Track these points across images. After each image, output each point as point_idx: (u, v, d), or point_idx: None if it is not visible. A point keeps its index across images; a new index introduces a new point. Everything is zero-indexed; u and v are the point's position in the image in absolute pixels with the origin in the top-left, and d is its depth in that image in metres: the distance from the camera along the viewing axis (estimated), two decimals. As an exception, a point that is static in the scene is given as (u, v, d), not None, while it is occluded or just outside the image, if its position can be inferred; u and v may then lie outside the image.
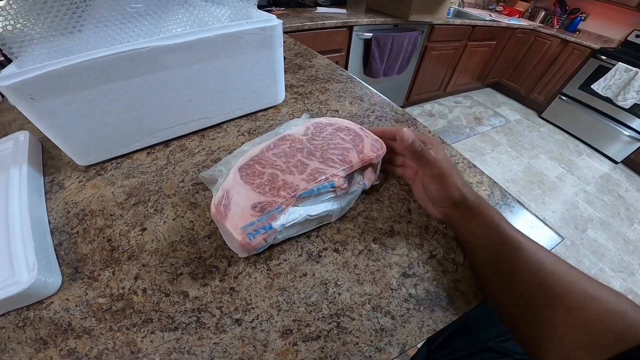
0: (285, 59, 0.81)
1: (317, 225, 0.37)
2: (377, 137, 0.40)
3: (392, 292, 0.33)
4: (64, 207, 0.40)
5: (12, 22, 0.33)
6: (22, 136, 0.46)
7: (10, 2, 0.33)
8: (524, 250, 0.29)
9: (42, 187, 0.43)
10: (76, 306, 0.31)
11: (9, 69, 0.34)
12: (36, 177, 0.43)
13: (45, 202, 0.41)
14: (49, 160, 0.48)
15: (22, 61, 0.36)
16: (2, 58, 0.63)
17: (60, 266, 0.34)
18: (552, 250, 0.39)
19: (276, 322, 0.30)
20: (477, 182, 0.47)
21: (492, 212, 0.33)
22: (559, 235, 0.40)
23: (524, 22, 2.90)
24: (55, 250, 0.35)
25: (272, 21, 0.45)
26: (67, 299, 0.32)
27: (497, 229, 0.31)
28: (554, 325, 0.25)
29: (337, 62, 1.81)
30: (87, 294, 0.32)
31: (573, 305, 0.25)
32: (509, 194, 0.46)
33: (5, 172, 0.40)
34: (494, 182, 0.47)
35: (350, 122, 0.42)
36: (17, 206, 0.35)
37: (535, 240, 0.31)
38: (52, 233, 0.37)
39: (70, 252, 0.35)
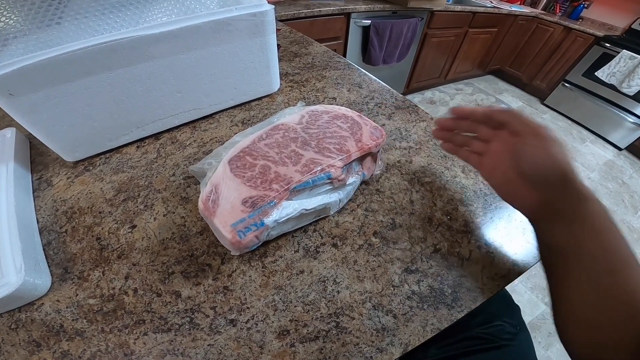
0: (280, 46, 0.79)
1: (314, 219, 0.36)
2: (377, 125, 0.38)
3: (394, 289, 0.32)
4: (53, 205, 0.39)
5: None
6: (9, 133, 0.45)
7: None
8: (634, 267, 0.25)
9: (30, 185, 0.41)
10: (67, 307, 0.30)
11: (-14, 65, 0.33)
12: (23, 174, 0.41)
13: (34, 200, 0.40)
14: (37, 156, 0.46)
15: (-1, 57, 0.34)
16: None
17: (49, 266, 0.33)
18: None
19: (272, 322, 0.29)
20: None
21: (607, 215, 0.27)
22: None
23: (525, 9, 2.84)
24: (44, 250, 0.34)
25: (263, 6, 0.43)
26: (58, 300, 0.31)
27: (614, 238, 0.26)
28: None
29: (335, 50, 1.77)
30: (77, 294, 0.31)
31: None
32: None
33: (-8, 171, 0.38)
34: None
35: (348, 109, 0.40)
36: (4, 206, 0.34)
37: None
38: (40, 232, 0.36)
39: (60, 251, 0.34)
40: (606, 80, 2.44)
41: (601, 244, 0.26)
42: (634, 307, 0.24)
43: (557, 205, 0.28)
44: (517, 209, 0.33)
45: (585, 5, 2.81)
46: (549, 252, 0.30)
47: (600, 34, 2.46)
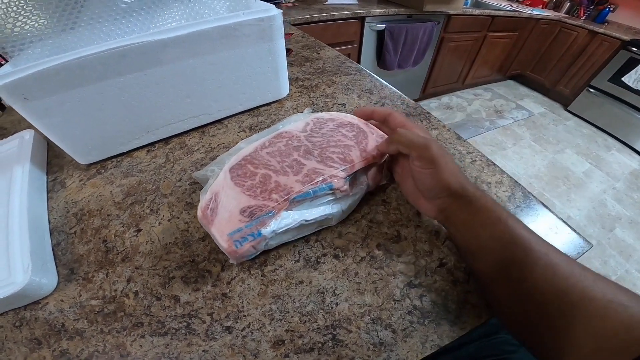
0: (292, 51, 0.79)
1: (317, 229, 0.35)
2: (383, 134, 0.37)
3: (395, 304, 0.31)
4: (64, 207, 0.40)
5: (2, 22, 0.33)
6: (27, 135, 0.46)
7: (5, 0, 0.33)
8: (535, 251, 0.26)
9: (45, 186, 0.43)
10: (70, 307, 0.31)
11: (3, 69, 0.34)
12: (39, 176, 0.43)
13: (47, 201, 0.41)
14: (54, 158, 0.48)
15: (16, 61, 0.35)
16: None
17: (57, 267, 0.34)
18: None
19: (268, 331, 0.29)
20: (496, 182, 0.43)
21: (498, 208, 0.29)
22: (588, 242, 0.37)
23: (548, 13, 2.75)
24: (53, 250, 0.35)
25: (270, 11, 0.43)
26: (62, 300, 0.31)
27: (506, 228, 0.27)
28: (572, 337, 0.23)
29: (349, 55, 1.77)
30: (80, 295, 0.32)
31: (593, 313, 0.23)
32: (533, 195, 0.42)
33: (9, 172, 0.40)
34: (515, 182, 0.43)
35: (354, 117, 0.39)
36: (17, 207, 0.35)
37: (544, 239, 0.27)
38: (51, 233, 0.37)
39: (67, 252, 0.35)
40: (633, 86, 2.33)
41: (498, 235, 0.28)
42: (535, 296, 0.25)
43: (455, 211, 0.31)
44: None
45: (611, 9, 2.70)
46: (458, 244, 0.33)
47: (627, 38, 2.34)
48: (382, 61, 2.00)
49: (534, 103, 3.06)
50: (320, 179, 0.31)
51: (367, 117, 0.40)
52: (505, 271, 0.27)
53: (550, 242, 0.28)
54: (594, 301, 0.23)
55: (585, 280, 0.24)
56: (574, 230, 0.38)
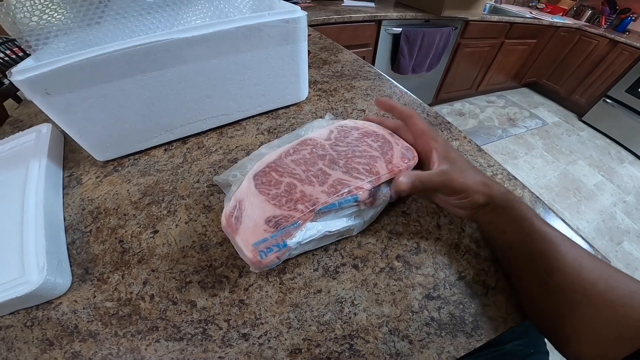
0: (309, 53, 0.78)
1: (336, 239, 0.34)
2: (409, 145, 0.36)
3: (413, 315, 0.30)
4: (80, 204, 0.40)
5: (28, 14, 0.32)
6: (45, 129, 0.46)
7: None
8: (562, 245, 0.28)
9: (61, 181, 0.43)
10: (84, 308, 0.30)
11: (26, 62, 0.34)
12: (55, 171, 0.43)
13: (63, 197, 0.41)
14: (69, 153, 0.47)
15: (39, 55, 0.35)
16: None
17: (71, 266, 0.33)
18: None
19: (285, 339, 0.28)
20: (517, 196, 0.42)
21: (524, 207, 0.30)
22: (607, 260, 0.35)
23: (568, 21, 2.70)
24: (67, 249, 0.35)
25: (296, 13, 0.42)
26: (76, 301, 0.31)
27: (531, 225, 0.29)
28: (595, 324, 0.25)
29: (363, 57, 1.76)
30: (95, 296, 0.31)
31: (618, 301, 0.25)
32: (553, 211, 0.41)
33: (25, 166, 0.39)
34: (537, 197, 0.42)
35: (379, 126, 0.38)
36: (33, 203, 0.35)
37: (567, 236, 0.30)
38: (66, 230, 0.37)
39: (82, 251, 0.35)
40: (651, 98, 2.28)
41: (524, 232, 0.29)
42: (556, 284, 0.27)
43: (482, 215, 0.32)
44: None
45: (633, 18, 2.65)
46: (488, 240, 0.36)
47: (648, 48, 2.30)
48: (396, 65, 1.99)
49: (548, 112, 3.02)
50: (346, 190, 0.30)
51: (387, 109, 0.39)
52: (532, 263, 0.29)
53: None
54: (618, 290, 0.25)
55: (609, 272, 0.26)
56: (594, 249, 0.37)
